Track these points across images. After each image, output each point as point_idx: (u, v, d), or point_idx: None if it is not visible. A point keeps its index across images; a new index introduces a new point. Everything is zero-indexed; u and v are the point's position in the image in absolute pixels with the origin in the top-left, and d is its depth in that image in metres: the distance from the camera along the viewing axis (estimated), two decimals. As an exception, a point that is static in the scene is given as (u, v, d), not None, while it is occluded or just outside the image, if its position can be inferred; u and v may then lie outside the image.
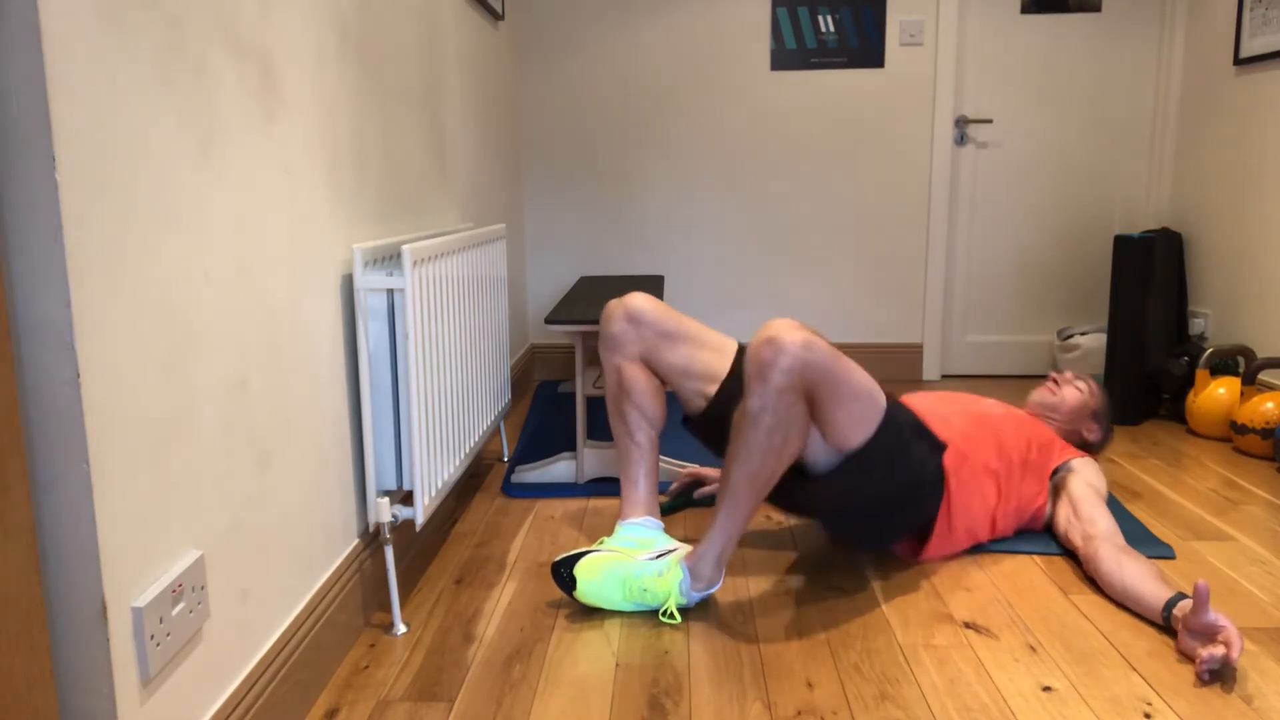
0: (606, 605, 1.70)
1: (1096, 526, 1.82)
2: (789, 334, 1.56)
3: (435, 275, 1.77)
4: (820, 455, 1.70)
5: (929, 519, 1.85)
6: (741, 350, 1.98)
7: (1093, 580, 1.81)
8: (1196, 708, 1.38)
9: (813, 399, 1.60)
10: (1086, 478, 1.97)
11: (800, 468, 1.74)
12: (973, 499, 1.90)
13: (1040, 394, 2.24)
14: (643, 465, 1.90)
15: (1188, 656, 1.51)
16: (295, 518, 1.39)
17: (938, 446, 1.81)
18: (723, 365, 1.96)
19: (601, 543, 1.77)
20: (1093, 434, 2.20)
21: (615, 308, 1.95)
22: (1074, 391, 2.20)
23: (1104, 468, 2.54)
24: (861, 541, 1.90)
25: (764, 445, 1.58)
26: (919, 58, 3.53)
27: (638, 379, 1.93)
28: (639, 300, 1.94)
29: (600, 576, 1.68)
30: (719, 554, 1.67)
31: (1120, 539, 1.80)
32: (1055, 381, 2.23)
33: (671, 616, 1.67)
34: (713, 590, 1.70)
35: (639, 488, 1.89)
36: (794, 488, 1.76)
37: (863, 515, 1.79)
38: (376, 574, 1.71)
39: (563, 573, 1.71)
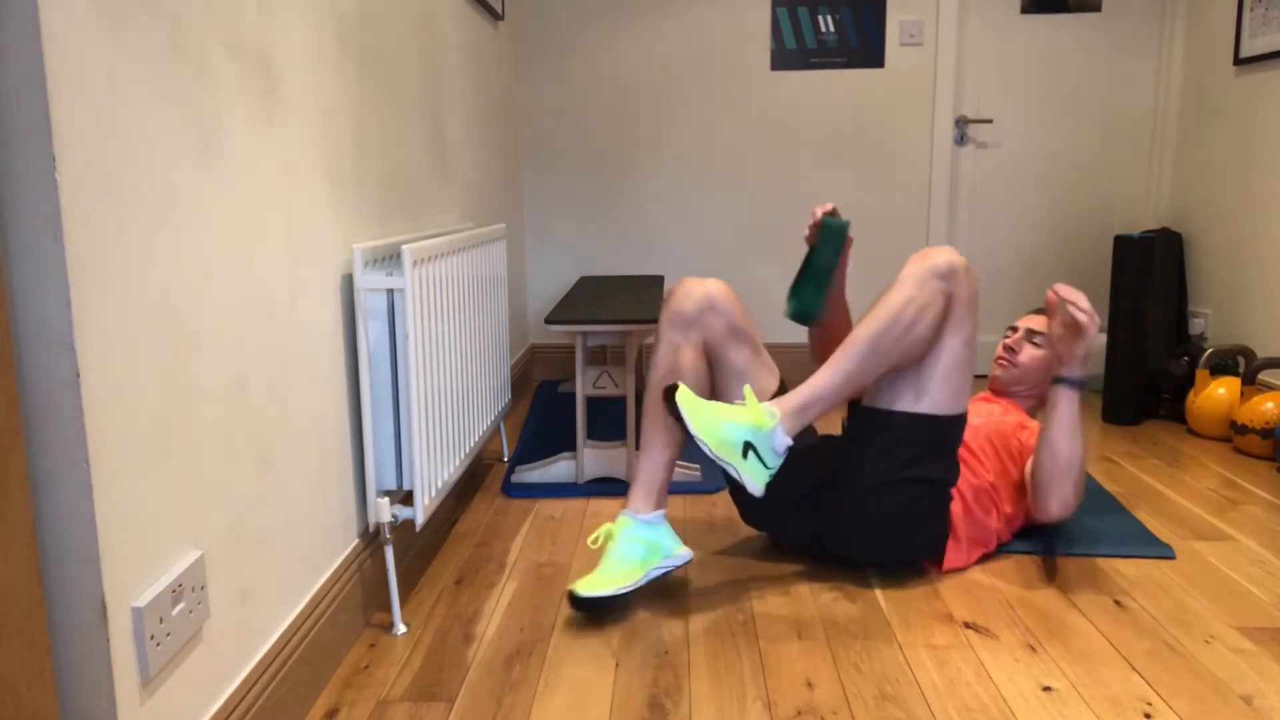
0: (713, 427, 1.59)
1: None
2: (959, 256, 1.71)
3: (435, 275, 1.77)
4: (900, 392, 1.76)
5: (935, 543, 1.83)
6: (783, 383, 1.91)
7: (1092, 580, 1.82)
8: (1196, 708, 1.38)
9: (945, 315, 1.71)
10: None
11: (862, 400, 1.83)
12: (979, 520, 1.90)
13: (998, 371, 2.19)
14: (666, 455, 1.80)
15: (1070, 330, 1.77)
16: (295, 518, 1.39)
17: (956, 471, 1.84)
18: (771, 386, 1.89)
19: (597, 539, 1.76)
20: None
21: (695, 286, 1.86)
22: (1030, 352, 2.15)
23: (1104, 468, 2.54)
24: (861, 548, 1.83)
25: (896, 312, 1.66)
26: (919, 58, 3.53)
27: (697, 367, 1.84)
28: (719, 286, 1.87)
29: (701, 412, 1.61)
30: (807, 400, 1.65)
31: None
32: (1010, 350, 2.17)
33: (762, 456, 1.61)
34: (784, 449, 1.63)
35: (659, 476, 1.79)
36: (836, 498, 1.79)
37: (879, 503, 1.76)
38: (376, 574, 1.71)
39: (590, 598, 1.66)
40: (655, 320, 2.46)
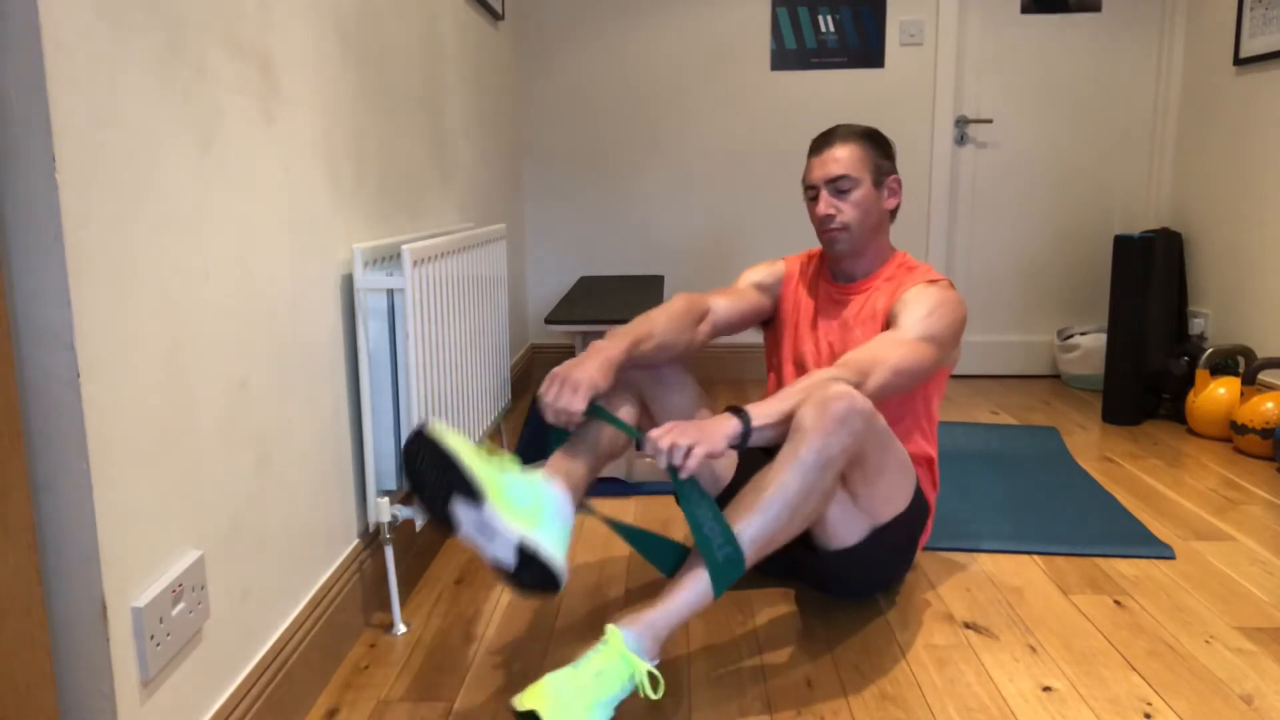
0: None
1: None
2: (860, 399, 1.42)
3: (435, 275, 1.77)
4: (844, 528, 1.56)
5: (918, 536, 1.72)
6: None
7: (1092, 580, 1.82)
8: (1196, 708, 1.38)
9: (860, 467, 1.49)
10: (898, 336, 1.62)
11: (813, 541, 1.60)
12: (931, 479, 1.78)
13: (835, 248, 1.75)
14: (591, 458, 1.62)
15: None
16: (295, 518, 1.39)
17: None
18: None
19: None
20: (894, 196, 1.76)
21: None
22: (845, 200, 1.72)
23: (1104, 468, 2.54)
24: (863, 593, 1.73)
25: (792, 505, 1.38)
26: (919, 58, 3.53)
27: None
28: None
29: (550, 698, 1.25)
30: (674, 624, 1.34)
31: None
32: (829, 216, 1.72)
33: (655, 685, 1.38)
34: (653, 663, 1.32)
35: (578, 473, 1.59)
36: (808, 560, 1.65)
37: (874, 573, 1.67)
38: (376, 574, 1.71)
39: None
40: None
